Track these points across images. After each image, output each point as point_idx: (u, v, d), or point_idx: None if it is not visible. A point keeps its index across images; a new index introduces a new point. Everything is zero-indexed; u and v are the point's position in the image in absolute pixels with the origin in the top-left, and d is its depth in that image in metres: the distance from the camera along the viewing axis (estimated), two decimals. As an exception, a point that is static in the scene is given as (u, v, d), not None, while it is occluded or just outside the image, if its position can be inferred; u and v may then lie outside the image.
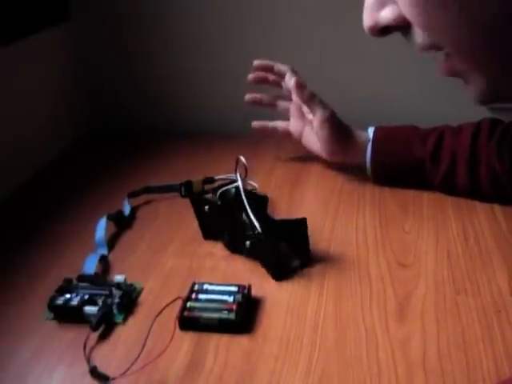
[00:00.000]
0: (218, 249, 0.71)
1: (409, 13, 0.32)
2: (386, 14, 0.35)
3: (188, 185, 0.83)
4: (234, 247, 0.70)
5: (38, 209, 0.83)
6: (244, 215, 0.67)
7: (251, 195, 0.70)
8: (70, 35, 1.04)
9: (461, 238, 0.72)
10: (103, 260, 0.69)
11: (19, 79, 0.89)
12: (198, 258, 0.70)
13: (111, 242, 0.73)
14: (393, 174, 0.83)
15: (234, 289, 0.61)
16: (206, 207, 0.70)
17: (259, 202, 0.72)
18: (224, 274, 0.67)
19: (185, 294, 0.60)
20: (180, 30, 1.03)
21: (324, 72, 1.01)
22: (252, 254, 0.68)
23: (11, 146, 0.87)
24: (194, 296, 0.60)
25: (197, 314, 0.58)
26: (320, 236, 0.73)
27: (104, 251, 0.70)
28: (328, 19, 0.98)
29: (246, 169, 0.74)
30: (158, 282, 0.66)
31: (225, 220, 0.69)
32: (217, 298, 0.60)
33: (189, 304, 0.59)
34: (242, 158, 0.73)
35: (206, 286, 0.62)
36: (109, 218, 0.74)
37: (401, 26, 0.35)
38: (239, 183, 0.70)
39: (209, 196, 0.75)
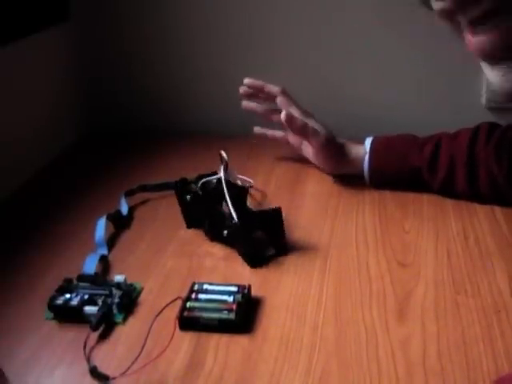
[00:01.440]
0: (217, 249, 0.71)
1: None
2: None
3: (183, 182, 0.83)
4: (213, 235, 0.72)
5: (38, 209, 0.83)
6: (224, 205, 0.69)
7: (232, 186, 0.72)
8: (70, 35, 1.04)
9: (461, 238, 0.72)
10: (103, 260, 0.69)
11: (19, 79, 0.89)
12: (198, 258, 0.70)
13: (111, 242, 0.73)
14: (391, 184, 0.83)
15: (234, 289, 0.61)
16: (188, 196, 0.73)
17: (239, 193, 0.73)
18: (224, 273, 0.67)
19: (185, 294, 0.61)
20: (180, 30, 1.03)
21: (321, 72, 1.01)
22: (229, 243, 0.71)
23: (11, 145, 0.87)
24: (193, 296, 0.60)
25: (197, 314, 0.58)
26: (320, 236, 0.73)
27: (104, 251, 0.70)
28: (328, 19, 0.98)
29: (226, 163, 0.74)
30: (158, 281, 0.66)
31: (205, 209, 0.72)
32: (217, 298, 0.60)
33: (189, 304, 0.59)
34: (223, 153, 0.74)
35: (205, 286, 0.62)
36: (108, 218, 0.74)
37: None
38: (221, 174, 0.71)
39: (192, 186, 0.76)
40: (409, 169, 0.81)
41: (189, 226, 0.76)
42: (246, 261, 0.68)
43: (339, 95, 1.02)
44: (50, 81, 0.99)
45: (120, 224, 0.77)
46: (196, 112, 1.08)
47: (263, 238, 0.69)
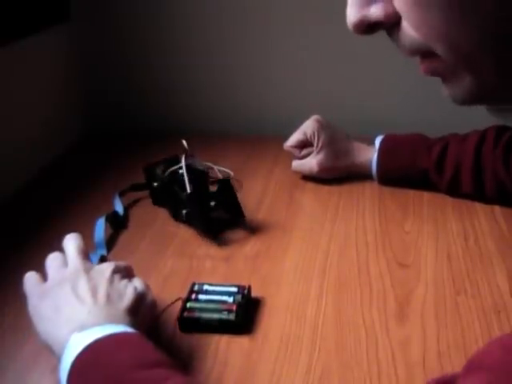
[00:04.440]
0: (217, 250, 0.71)
1: (404, 9, 0.32)
2: (377, 11, 0.33)
3: (151, 170, 0.83)
4: (176, 216, 0.77)
5: (38, 209, 0.83)
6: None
7: (193, 171, 0.77)
8: (70, 35, 1.04)
9: (461, 239, 0.72)
10: (103, 260, 0.69)
11: (19, 79, 0.89)
12: (198, 259, 0.70)
13: (109, 243, 0.73)
14: (399, 183, 0.84)
15: (234, 289, 0.61)
16: (155, 184, 0.80)
17: (199, 177, 0.77)
18: (224, 274, 0.67)
19: (185, 294, 0.61)
20: (179, 30, 1.03)
21: (320, 72, 1.01)
22: (188, 221, 0.75)
23: (11, 146, 0.87)
24: (193, 297, 0.60)
25: (197, 314, 0.58)
26: (320, 236, 0.73)
27: (103, 252, 0.70)
28: (328, 19, 0.98)
29: (186, 151, 0.80)
30: (158, 282, 0.66)
31: (168, 194, 0.78)
32: (217, 298, 0.60)
33: (189, 304, 0.59)
34: (184, 142, 0.80)
35: (205, 287, 0.62)
36: (107, 219, 0.74)
37: (388, 25, 0.34)
38: (182, 162, 0.76)
39: (157, 171, 0.81)
40: (417, 170, 0.82)
41: (155, 204, 0.81)
42: (204, 233, 0.73)
43: (344, 100, 1.02)
44: (50, 81, 0.99)
45: (117, 224, 0.77)
46: (196, 112, 1.08)
47: (217, 207, 0.75)
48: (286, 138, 0.93)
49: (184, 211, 0.74)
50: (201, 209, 0.73)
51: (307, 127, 0.86)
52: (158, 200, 0.81)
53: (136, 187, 0.84)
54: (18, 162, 0.88)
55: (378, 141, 0.85)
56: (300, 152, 0.88)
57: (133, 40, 1.05)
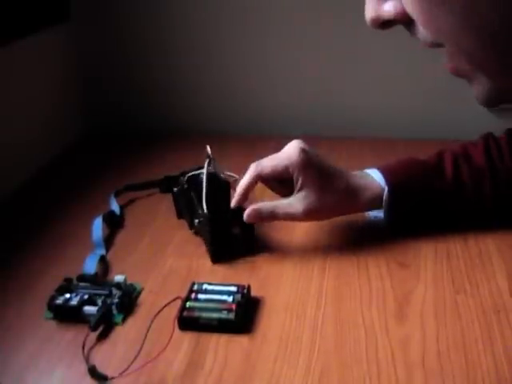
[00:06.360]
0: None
1: (411, 9, 0.32)
2: (389, 9, 0.34)
3: (170, 178, 0.83)
4: (191, 225, 0.74)
5: (37, 209, 0.83)
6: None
7: (215, 180, 0.72)
8: (70, 35, 1.04)
9: (460, 238, 0.72)
10: (103, 260, 0.69)
11: (19, 79, 0.89)
12: (198, 258, 0.70)
13: (108, 242, 0.73)
14: (412, 218, 0.73)
15: (234, 289, 0.61)
16: (175, 189, 0.76)
17: (220, 187, 0.72)
18: (223, 274, 0.67)
19: (184, 293, 0.60)
20: (179, 30, 1.03)
21: (320, 72, 1.01)
22: (198, 233, 0.72)
23: (11, 145, 0.87)
24: (193, 296, 0.60)
25: (196, 314, 0.58)
26: (319, 236, 0.73)
27: (102, 251, 0.70)
28: (328, 22, 0.98)
29: (209, 158, 0.74)
30: (158, 281, 0.66)
31: (186, 201, 0.73)
32: (216, 298, 0.60)
33: (188, 304, 0.59)
34: (208, 148, 0.74)
35: (205, 286, 0.62)
36: (104, 219, 0.74)
37: (402, 22, 0.34)
38: (204, 169, 0.72)
39: (181, 180, 0.76)
40: (432, 195, 0.71)
41: (179, 217, 0.77)
42: (209, 253, 0.69)
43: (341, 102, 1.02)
44: (49, 81, 0.99)
45: (114, 224, 0.77)
46: (196, 112, 1.08)
47: (238, 234, 0.69)
48: (286, 137, 0.93)
49: (196, 220, 0.70)
50: (215, 229, 0.67)
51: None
52: (179, 207, 0.76)
53: (130, 187, 0.84)
54: (17, 161, 0.88)
55: (379, 178, 0.70)
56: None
57: (133, 40, 1.05)
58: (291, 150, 0.68)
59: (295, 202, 0.68)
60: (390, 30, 0.35)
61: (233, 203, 0.69)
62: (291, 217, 0.68)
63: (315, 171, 0.68)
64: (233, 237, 0.69)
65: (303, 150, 0.68)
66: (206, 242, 0.70)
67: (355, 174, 0.72)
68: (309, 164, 0.67)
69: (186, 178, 0.75)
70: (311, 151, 0.69)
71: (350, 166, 0.74)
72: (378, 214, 0.73)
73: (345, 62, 1.01)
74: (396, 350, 0.55)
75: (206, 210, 0.67)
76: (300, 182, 0.67)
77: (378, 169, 0.71)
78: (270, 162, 0.69)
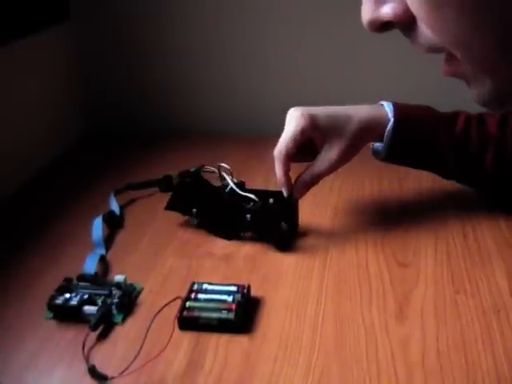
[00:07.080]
0: (217, 249, 0.71)
1: (417, 8, 0.31)
2: (388, 11, 0.33)
3: (167, 179, 0.84)
4: (210, 223, 0.74)
5: (37, 209, 0.83)
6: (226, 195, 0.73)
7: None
8: (70, 35, 1.04)
9: (460, 237, 0.72)
10: (103, 260, 0.69)
11: (19, 79, 0.89)
12: (198, 258, 0.70)
13: (107, 242, 0.73)
14: (409, 161, 0.76)
15: (234, 289, 0.61)
16: (188, 179, 0.76)
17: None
18: (223, 273, 0.67)
19: (184, 293, 0.61)
20: (179, 30, 1.03)
21: (319, 72, 1.01)
22: (251, 227, 0.72)
23: (11, 145, 0.87)
24: (193, 296, 0.60)
25: (196, 313, 0.58)
26: (319, 235, 0.73)
27: (102, 251, 0.70)
28: (328, 22, 0.98)
29: (231, 172, 0.77)
30: (158, 281, 0.66)
31: (205, 195, 0.75)
32: (216, 297, 0.60)
33: (188, 304, 0.59)
34: (225, 165, 0.77)
35: (205, 286, 0.62)
36: (103, 219, 0.75)
37: (400, 25, 0.34)
38: (231, 183, 0.75)
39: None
40: (437, 142, 0.74)
41: (167, 208, 0.75)
42: (273, 244, 0.70)
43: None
44: (49, 81, 0.99)
45: (114, 224, 0.77)
46: (196, 112, 1.08)
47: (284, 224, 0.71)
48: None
49: (248, 215, 0.71)
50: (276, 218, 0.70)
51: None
52: (178, 200, 0.76)
53: (131, 186, 0.84)
54: (17, 161, 0.88)
55: (388, 110, 0.74)
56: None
57: (133, 40, 1.05)
58: (296, 120, 0.72)
59: (325, 156, 0.72)
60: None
61: (285, 193, 0.73)
62: (329, 168, 0.73)
63: (325, 124, 0.72)
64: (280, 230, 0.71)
65: (305, 114, 0.72)
66: (268, 232, 0.71)
67: (364, 108, 0.76)
68: (317, 122, 0.72)
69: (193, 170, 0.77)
70: (312, 110, 0.73)
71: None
72: (380, 145, 0.75)
73: (344, 62, 1.01)
74: (396, 349, 0.55)
75: (257, 200, 0.71)
76: (319, 139, 0.72)
77: (393, 103, 0.75)
78: (288, 140, 0.71)
